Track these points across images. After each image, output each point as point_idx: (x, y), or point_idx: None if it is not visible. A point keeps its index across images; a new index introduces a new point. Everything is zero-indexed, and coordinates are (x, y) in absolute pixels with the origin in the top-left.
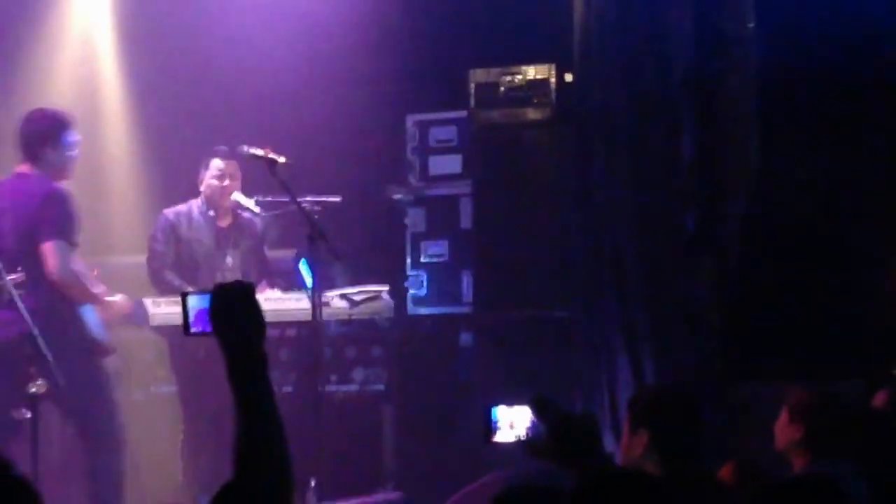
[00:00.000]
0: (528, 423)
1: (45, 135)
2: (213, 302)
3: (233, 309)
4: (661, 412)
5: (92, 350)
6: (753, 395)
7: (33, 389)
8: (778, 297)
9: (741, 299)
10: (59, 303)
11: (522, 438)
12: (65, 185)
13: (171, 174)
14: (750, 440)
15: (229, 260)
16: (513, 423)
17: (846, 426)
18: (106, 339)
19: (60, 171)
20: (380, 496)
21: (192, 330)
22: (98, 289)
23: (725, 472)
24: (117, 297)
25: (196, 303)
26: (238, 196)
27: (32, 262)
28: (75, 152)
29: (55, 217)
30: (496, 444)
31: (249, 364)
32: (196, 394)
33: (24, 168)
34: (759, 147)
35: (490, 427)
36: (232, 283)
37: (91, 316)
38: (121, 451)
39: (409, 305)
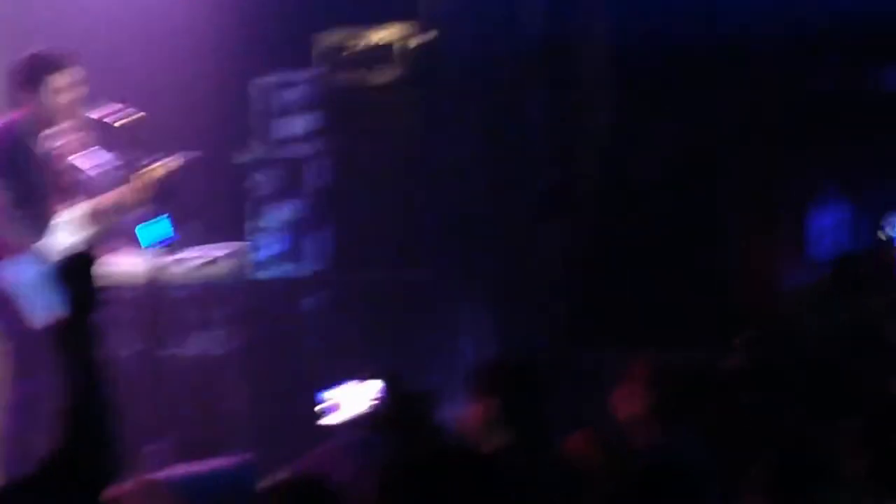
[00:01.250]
0: (372, 397)
1: (24, 78)
2: (67, 260)
3: (69, 275)
4: (506, 381)
5: None
6: (600, 361)
7: None
8: (629, 263)
9: (592, 264)
10: None
11: (367, 411)
12: None
13: None
14: (598, 408)
15: (65, 218)
16: (350, 399)
17: (690, 396)
18: None
19: (48, 116)
20: (226, 459)
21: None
22: None
23: (574, 442)
24: None
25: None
26: (80, 154)
27: None
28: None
29: None
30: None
31: (78, 330)
32: None
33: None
34: (611, 111)
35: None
36: (73, 252)
37: None
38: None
39: (253, 268)
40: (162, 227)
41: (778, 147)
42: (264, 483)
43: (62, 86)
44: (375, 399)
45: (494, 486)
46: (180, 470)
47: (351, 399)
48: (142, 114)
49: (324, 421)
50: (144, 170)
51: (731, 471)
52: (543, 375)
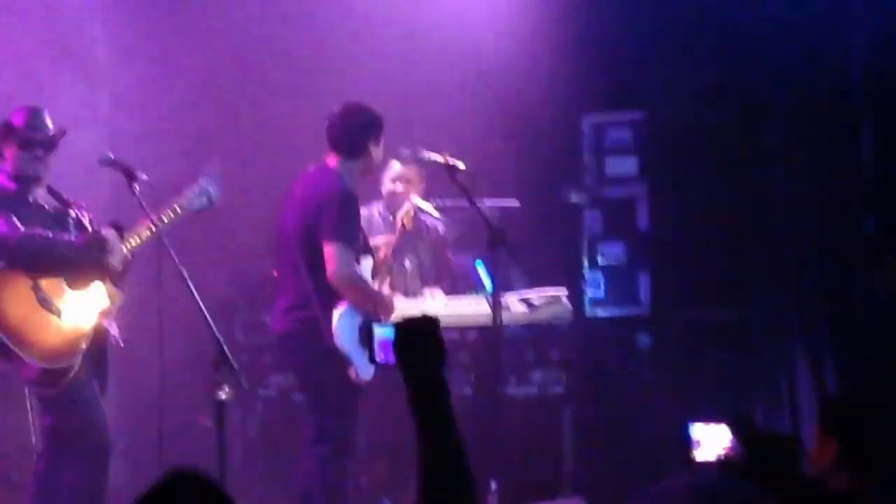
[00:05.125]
0: (726, 442)
1: (374, 128)
2: (397, 335)
3: (416, 342)
4: (851, 421)
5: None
6: None
7: (221, 397)
8: None
9: None
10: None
11: (721, 457)
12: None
13: None
14: None
15: (407, 264)
16: (711, 440)
17: None
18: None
19: (369, 167)
20: (560, 501)
21: (377, 360)
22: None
23: None
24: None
25: (381, 333)
26: (418, 200)
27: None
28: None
29: (334, 218)
30: (697, 463)
31: (430, 391)
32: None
33: (331, 160)
34: None
35: (688, 445)
36: (416, 318)
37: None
38: (342, 458)
39: (587, 307)
40: (485, 270)
41: None
42: None
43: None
44: (732, 441)
45: None
46: None
47: (708, 439)
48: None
49: (693, 458)
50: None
51: None
52: (890, 414)
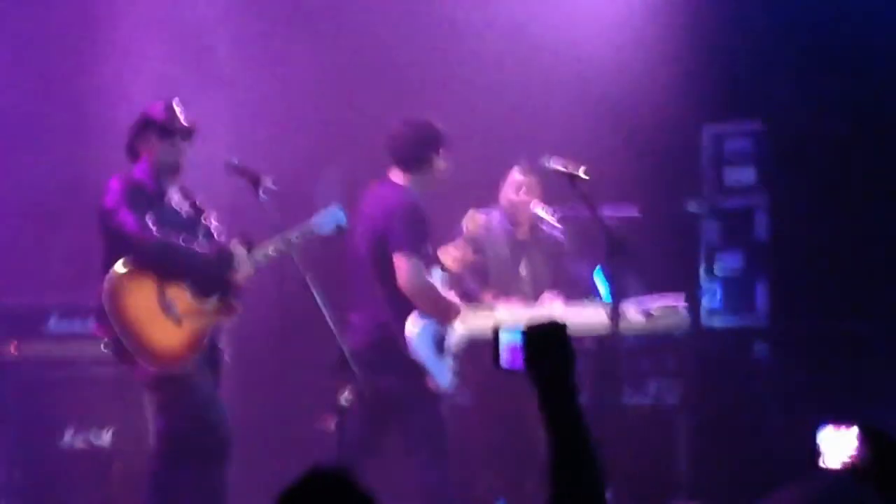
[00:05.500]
0: (853, 448)
1: (436, 141)
2: (526, 343)
3: (545, 349)
4: None
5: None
6: None
7: (343, 402)
8: None
9: None
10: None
11: (848, 463)
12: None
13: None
14: None
15: (522, 272)
16: (837, 447)
17: None
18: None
19: (434, 179)
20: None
21: (503, 366)
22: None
23: None
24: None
25: (507, 338)
26: (538, 209)
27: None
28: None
29: (402, 228)
30: (821, 470)
31: (561, 396)
32: (488, 403)
33: (395, 175)
34: None
35: (817, 450)
36: (545, 324)
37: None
38: (442, 465)
39: (704, 317)
40: (604, 279)
41: None
42: None
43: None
44: (859, 448)
45: None
46: None
47: (835, 446)
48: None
49: (818, 464)
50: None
51: None
52: None
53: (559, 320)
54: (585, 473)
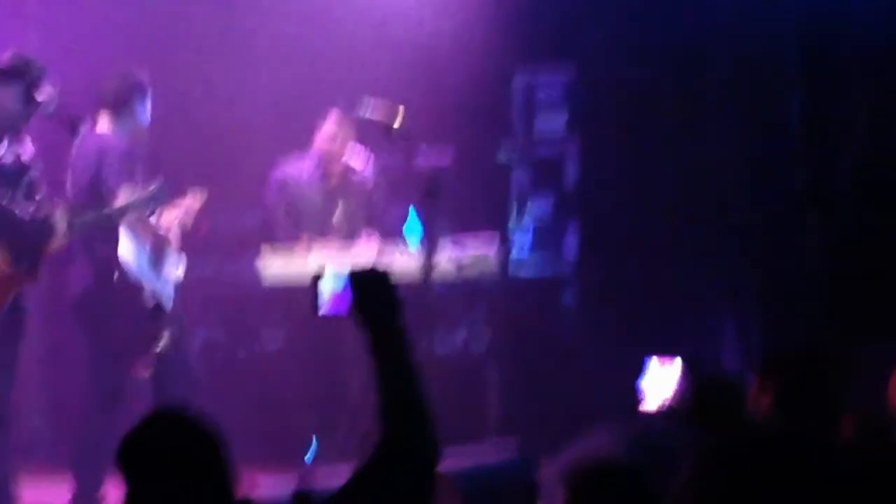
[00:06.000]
0: (675, 382)
1: (138, 89)
2: (354, 288)
3: (374, 294)
4: (787, 368)
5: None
6: (859, 354)
7: (158, 349)
8: (884, 256)
9: (850, 257)
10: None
11: (669, 400)
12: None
13: (283, 125)
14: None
15: (335, 218)
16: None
17: None
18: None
19: (137, 125)
20: (493, 442)
21: (324, 312)
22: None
23: (844, 428)
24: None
25: (329, 284)
26: (350, 154)
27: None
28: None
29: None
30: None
31: (391, 339)
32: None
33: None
34: (867, 107)
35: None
36: (371, 269)
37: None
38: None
39: (513, 264)
40: (416, 225)
41: None
42: (543, 473)
43: None
44: (679, 386)
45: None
46: (456, 460)
47: (654, 385)
48: (406, 115)
49: (642, 407)
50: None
51: None
52: (827, 367)
53: (382, 265)
54: (416, 416)
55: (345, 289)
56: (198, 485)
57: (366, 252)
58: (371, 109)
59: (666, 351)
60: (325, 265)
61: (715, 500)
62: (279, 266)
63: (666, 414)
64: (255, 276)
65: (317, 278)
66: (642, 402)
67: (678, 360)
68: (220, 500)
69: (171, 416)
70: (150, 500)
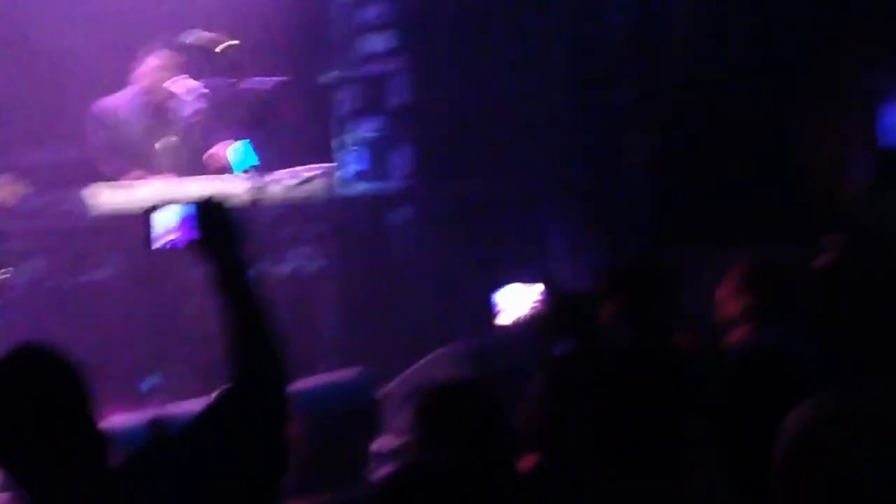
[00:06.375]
0: (533, 301)
1: None
2: (197, 218)
3: (216, 224)
4: (631, 281)
5: None
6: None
7: None
8: (712, 163)
9: (675, 167)
10: None
11: (526, 316)
12: None
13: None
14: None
15: (160, 149)
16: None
17: (793, 294)
18: None
19: None
20: (341, 372)
21: (157, 246)
22: None
23: (679, 340)
24: None
25: (165, 216)
26: (175, 85)
27: None
28: None
29: None
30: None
31: (235, 268)
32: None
33: None
34: (690, 24)
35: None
36: (209, 200)
37: None
38: None
39: (342, 185)
40: (246, 151)
41: (849, 41)
42: (385, 391)
43: None
44: (537, 301)
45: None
46: (298, 384)
47: (513, 301)
48: (236, 41)
49: (496, 321)
50: None
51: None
52: (667, 273)
53: (217, 196)
54: (265, 345)
55: (180, 222)
56: (61, 418)
57: (195, 184)
58: (195, 37)
59: (498, 267)
60: (158, 198)
61: (573, 405)
62: (106, 198)
63: (520, 327)
64: (82, 208)
65: (149, 211)
66: (497, 316)
67: (536, 278)
68: (83, 433)
69: (32, 350)
70: (11, 435)
